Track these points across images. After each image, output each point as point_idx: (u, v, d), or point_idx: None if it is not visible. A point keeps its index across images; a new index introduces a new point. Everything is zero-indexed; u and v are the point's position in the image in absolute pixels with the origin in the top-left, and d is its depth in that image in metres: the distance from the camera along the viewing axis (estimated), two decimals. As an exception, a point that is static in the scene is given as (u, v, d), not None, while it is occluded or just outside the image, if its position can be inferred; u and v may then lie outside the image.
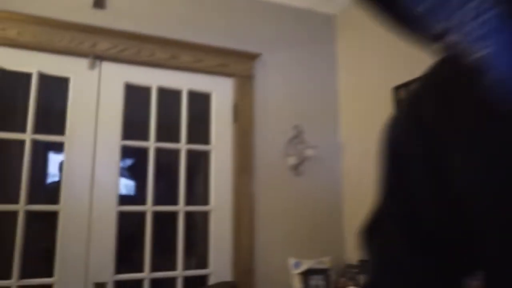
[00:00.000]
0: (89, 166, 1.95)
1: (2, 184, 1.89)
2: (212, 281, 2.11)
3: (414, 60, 2.24)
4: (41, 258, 1.93)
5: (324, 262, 2.29)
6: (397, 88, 2.13)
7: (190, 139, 2.21)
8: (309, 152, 2.39)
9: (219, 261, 2.15)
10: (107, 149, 2.00)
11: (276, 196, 2.34)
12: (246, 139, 2.30)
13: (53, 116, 2.01)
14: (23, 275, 1.79)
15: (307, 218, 2.40)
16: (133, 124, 2.13)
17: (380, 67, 2.30)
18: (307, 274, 2.22)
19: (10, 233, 1.78)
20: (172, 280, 2.07)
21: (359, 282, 2.09)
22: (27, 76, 1.93)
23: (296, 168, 2.42)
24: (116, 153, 2.02)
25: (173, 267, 2.07)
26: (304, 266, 2.23)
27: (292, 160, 2.36)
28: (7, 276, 1.77)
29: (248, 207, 2.24)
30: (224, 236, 2.18)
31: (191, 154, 2.22)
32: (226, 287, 1.93)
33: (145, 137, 2.11)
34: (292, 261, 2.26)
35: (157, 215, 2.07)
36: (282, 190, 2.36)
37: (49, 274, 1.83)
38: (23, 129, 1.88)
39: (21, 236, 1.80)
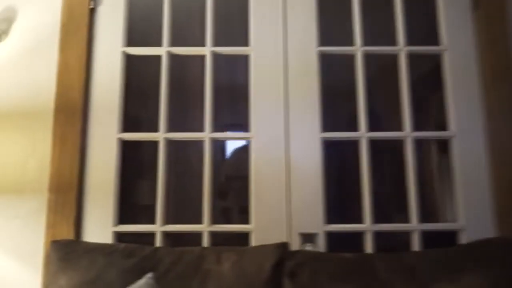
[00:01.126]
0: (281, 74, 1.48)
1: (184, 109, 1.56)
2: (464, 240, 1.42)
3: None
4: (233, 201, 1.54)
5: None
6: None
7: (411, 41, 1.55)
8: None
9: (471, 212, 1.45)
10: (300, 60, 1.50)
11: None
12: (495, 33, 1.52)
13: (232, 25, 1.60)
14: (213, 220, 1.44)
15: None
16: (333, 27, 1.57)
17: None
18: None
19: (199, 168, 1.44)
20: (404, 235, 1.46)
21: None
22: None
23: None
24: (314, 62, 1.50)
25: (404, 219, 1.46)
26: None
27: None
28: (199, 221, 1.43)
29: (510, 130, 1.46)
30: (475, 176, 1.46)
31: (413, 58, 1.55)
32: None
33: (350, 42, 1.55)
34: None
35: (374, 145, 1.48)
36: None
37: (245, 220, 1.42)
38: (201, 43, 1.52)
39: (209, 171, 1.44)
